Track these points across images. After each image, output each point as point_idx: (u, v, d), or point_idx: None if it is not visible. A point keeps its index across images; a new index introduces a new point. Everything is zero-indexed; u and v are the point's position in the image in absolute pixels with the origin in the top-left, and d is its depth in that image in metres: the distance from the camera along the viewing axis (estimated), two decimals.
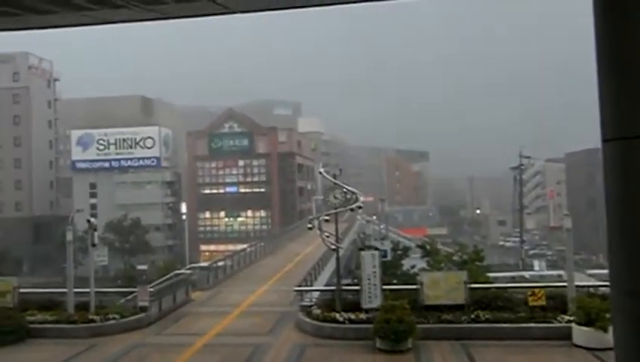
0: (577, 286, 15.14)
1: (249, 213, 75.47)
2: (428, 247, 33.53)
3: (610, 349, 11.16)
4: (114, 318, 16.17)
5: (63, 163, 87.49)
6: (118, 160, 76.43)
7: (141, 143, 76.46)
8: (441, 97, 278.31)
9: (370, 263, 15.62)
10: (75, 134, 78.08)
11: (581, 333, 12.90)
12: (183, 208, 63.20)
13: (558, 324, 13.67)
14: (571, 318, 13.52)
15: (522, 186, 57.32)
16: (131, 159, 76.37)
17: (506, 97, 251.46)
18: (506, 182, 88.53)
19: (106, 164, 76.31)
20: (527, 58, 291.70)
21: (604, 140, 2.49)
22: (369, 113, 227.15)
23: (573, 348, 12.93)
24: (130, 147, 76.53)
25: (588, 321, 12.79)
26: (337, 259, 16.92)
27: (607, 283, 2.49)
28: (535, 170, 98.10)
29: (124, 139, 76.74)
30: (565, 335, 13.27)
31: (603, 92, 2.52)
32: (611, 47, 2.46)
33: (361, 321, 14.56)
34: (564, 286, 15.44)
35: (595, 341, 12.53)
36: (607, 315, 11.93)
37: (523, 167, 58.07)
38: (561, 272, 28.92)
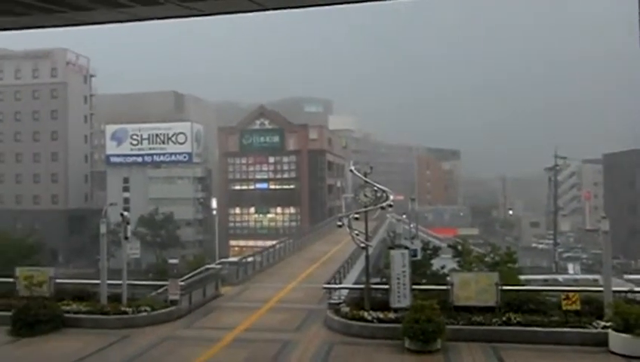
0: (614, 292, 14.70)
1: (278, 209, 75.77)
2: (459, 248, 33.11)
3: None
4: (145, 310, 16.42)
5: (98, 157, 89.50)
6: (151, 155, 77.71)
7: (173, 139, 77.58)
8: (473, 95, 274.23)
9: (399, 262, 15.48)
10: (110, 129, 79.75)
11: (618, 340, 12.51)
12: (214, 203, 63.89)
13: (594, 330, 13.30)
14: (608, 324, 13.14)
15: (557, 187, 56.04)
16: (164, 154, 77.55)
17: (542, 94, 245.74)
18: (540, 182, 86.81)
19: (139, 159, 77.70)
20: (562, 52, 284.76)
21: None
22: (400, 111, 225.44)
23: (609, 354, 12.56)
24: (163, 142, 77.71)
25: (626, 328, 12.40)
26: (367, 257, 16.82)
27: None
28: (571, 171, 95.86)
29: (157, 135, 77.97)
30: (601, 342, 12.90)
31: None
32: None
33: (390, 321, 14.45)
34: (600, 291, 15.01)
35: (633, 348, 12.14)
36: None
37: (558, 168, 56.78)
38: (597, 276, 28.26)
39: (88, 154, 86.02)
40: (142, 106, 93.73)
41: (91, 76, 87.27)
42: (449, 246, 35.67)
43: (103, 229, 17.73)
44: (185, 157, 77.17)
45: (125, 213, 17.82)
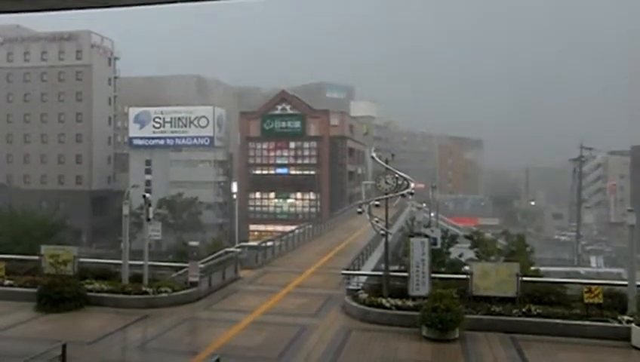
0: (639, 286, 14.45)
1: (298, 195, 75.86)
2: (475, 238, 33.34)
3: None
4: (165, 291, 16.67)
5: (121, 139, 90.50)
6: (173, 138, 78.31)
7: (195, 122, 78.02)
8: (497, 83, 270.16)
9: (419, 250, 15.43)
10: (133, 112, 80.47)
11: None
12: (234, 188, 64.10)
13: (617, 324, 13.13)
14: (631, 319, 12.95)
15: (582, 179, 55.11)
16: (185, 138, 78.10)
17: (570, 82, 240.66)
18: (564, 173, 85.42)
19: (161, 142, 78.36)
20: (591, 37, 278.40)
21: None
22: (423, 98, 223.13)
23: (632, 349, 12.38)
24: (185, 126, 78.22)
25: None
26: (386, 244, 16.78)
27: None
28: (597, 163, 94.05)
29: (179, 118, 78.49)
30: (623, 336, 12.73)
31: None
32: None
33: (408, 308, 14.44)
34: (624, 285, 14.77)
35: None
36: None
37: (584, 159, 55.81)
38: (621, 270, 27.84)
39: (112, 136, 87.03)
40: (164, 89, 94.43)
41: (115, 59, 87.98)
42: (465, 236, 35.89)
43: (125, 210, 17.96)
44: (206, 140, 77.62)
45: (147, 195, 18.03)
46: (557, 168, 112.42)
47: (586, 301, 13.93)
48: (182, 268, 18.95)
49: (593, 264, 53.73)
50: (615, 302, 14.00)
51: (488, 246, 31.84)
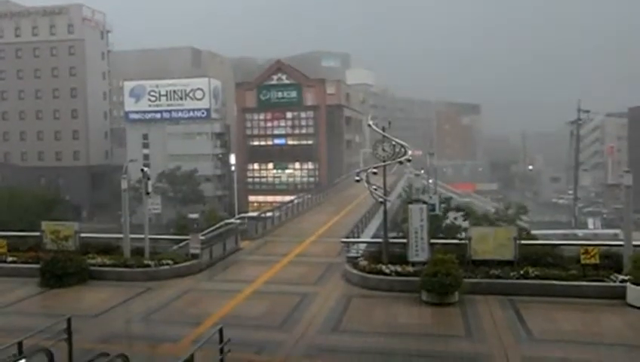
0: (635, 246, 14.62)
1: (297, 165, 75.87)
2: (466, 210, 35.67)
3: None
4: (167, 264, 16.83)
5: (117, 114, 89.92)
6: (169, 111, 77.84)
7: (191, 95, 77.44)
8: (493, 45, 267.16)
9: (418, 216, 15.54)
10: (128, 86, 79.76)
11: (636, 293, 12.55)
12: (232, 159, 64.21)
13: (612, 283, 13.35)
14: (626, 278, 13.15)
15: (579, 142, 55.07)
16: (182, 110, 77.63)
17: (566, 43, 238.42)
18: (561, 137, 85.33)
19: (158, 115, 77.91)
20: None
21: None
22: (419, 64, 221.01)
23: (626, 307, 12.63)
24: (181, 98, 77.67)
25: None
26: (385, 211, 16.88)
27: None
28: (594, 125, 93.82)
29: (174, 91, 77.87)
30: (619, 295, 12.96)
31: None
32: None
33: (408, 274, 14.62)
34: (620, 245, 14.96)
35: None
36: None
37: (581, 122, 55.65)
38: (617, 231, 28.08)
39: (107, 111, 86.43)
40: (159, 63, 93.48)
41: (108, 32, 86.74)
42: (457, 209, 36.76)
43: (124, 185, 18.00)
44: (203, 113, 77.19)
45: (146, 169, 18.05)
46: (554, 132, 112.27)
47: (582, 262, 14.13)
48: (183, 240, 19.10)
49: (590, 226, 54.21)
50: (611, 262, 14.21)
51: (479, 218, 33.02)
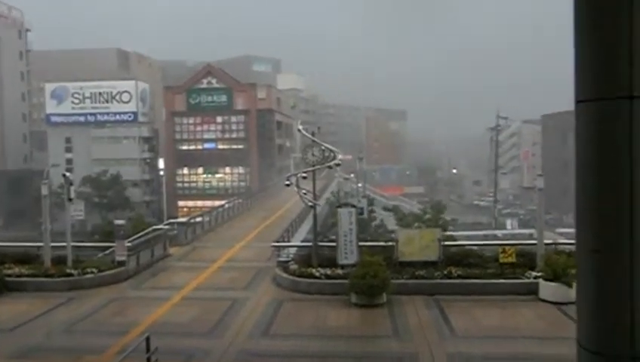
0: (546, 244, 15.67)
1: (227, 169, 75.08)
2: (394, 210, 37.31)
3: (572, 303, 11.71)
4: (91, 272, 16.27)
5: (37, 116, 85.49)
6: (94, 114, 74.88)
7: (117, 97, 74.90)
8: (419, 55, 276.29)
9: (347, 220, 15.88)
10: (49, 87, 76.04)
11: (547, 288, 13.47)
12: (161, 164, 62.61)
13: (526, 280, 14.23)
14: (539, 274, 14.06)
15: (498, 147, 57.96)
16: (108, 113, 74.89)
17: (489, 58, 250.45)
18: (483, 142, 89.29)
19: (82, 118, 74.78)
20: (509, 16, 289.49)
21: (578, 101, 2.56)
22: (349, 71, 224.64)
23: (539, 302, 13.52)
24: (107, 101, 74.95)
25: (554, 277, 13.34)
26: (314, 215, 17.15)
27: (573, 242, 2.61)
28: (512, 132, 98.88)
29: (100, 93, 75.05)
30: (532, 291, 13.84)
31: (580, 49, 2.55)
32: (589, 4, 2.50)
33: (337, 277, 14.91)
34: (534, 244, 15.98)
35: (559, 295, 13.12)
36: (572, 271, 12.45)
37: (500, 128, 58.59)
38: (532, 231, 29.87)
39: (26, 113, 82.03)
40: (83, 63, 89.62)
41: (27, 30, 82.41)
42: (384, 209, 38.30)
43: (44, 191, 17.25)
44: (130, 116, 74.82)
45: (68, 174, 17.43)
46: (476, 137, 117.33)
47: (501, 261, 14.99)
48: (108, 247, 18.52)
49: (508, 226, 57.20)
50: (526, 260, 15.14)
51: (406, 217, 34.35)
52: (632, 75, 2.39)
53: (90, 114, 74.77)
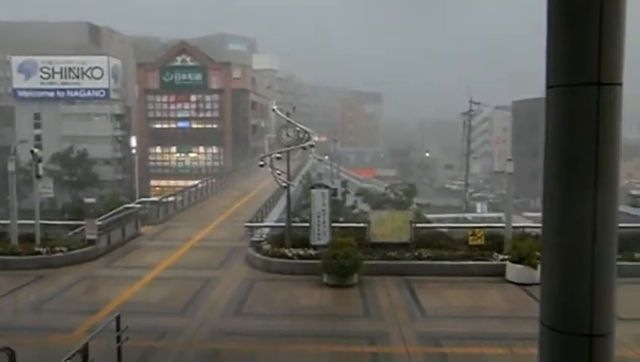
0: (514, 227, 16.03)
1: (201, 149, 74.35)
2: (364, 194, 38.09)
3: (536, 284, 12.05)
4: (61, 251, 16.05)
5: (4, 91, 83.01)
6: (64, 90, 73.01)
7: (88, 73, 73.10)
8: (396, 36, 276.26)
9: (320, 201, 15.96)
10: (16, 60, 73.79)
11: (513, 270, 13.83)
12: (133, 142, 61.70)
13: (494, 262, 14.57)
14: (506, 257, 14.40)
15: (471, 131, 58.67)
16: (78, 90, 73.10)
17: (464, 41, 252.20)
18: (456, 126, 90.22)
19: (51, 94, 72.88)
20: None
21: (548, 87, 2.63)
22: (326, 53, 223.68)
23: (505, 283, 13.88)
24: (77, 77, 73.11)
25: (520, 259, 13.69)
26: (288, 196, 17.16)
27: (540, 225, 2.71)
28: (484, 117, 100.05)
29: (70, 68, 73.12)
30: (500, 272, 14.18)
31: (552, 37, 2.62)
32: None
33: (310, 257, 15.01)
34: (502, 228, 16.32)
35: (524, 276, 13.50)
36: (537, 253, 12.78)
37: (472, 113, 59.23)
38: (501, 214, 30.54)
39: None
40: (52, 37, 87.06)
41: None
42: (357, 194, 38.82)
43: (11, 167, 16.86)
44: (101, 93, 73.20)
45: (36, 150, 17.05)
46: (449, 120, 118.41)
47: (470, 243, 15.29)
48: (79, 226, 18.27)
49: (479, 210, 58.30)
50: (494, 242, 15.47)
51: (377, 199, 34.78)
52: (601, 63, 2.47)
53: (60, 89, 72.91)
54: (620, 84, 2.50)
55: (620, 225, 2.62)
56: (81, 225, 17.86)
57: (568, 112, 2.54)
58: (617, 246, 2.59)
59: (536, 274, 12.55)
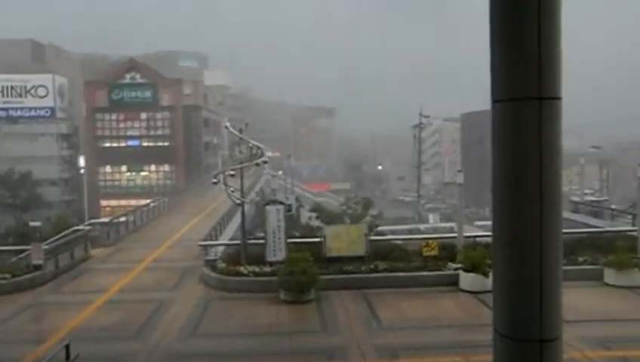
0: (466, 237, 16.39)
1: (152, 167, 72.89)
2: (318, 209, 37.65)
3: (489, 292, 12.33)
4: (4, 278, 15.37)
5: None
6: (6, 109, 70.35)
7: (32, 92, 70.69)
8: (348, 51, 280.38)
9: (275, 217, 15.89)
10: None
11: (466, 279, 14.13)
12: (81, 162, 59.78)
13: (448, 272, 14.85)
14: (459, 266, 14.69)
15: (421, 144, 59.84)
16: (22, 109, 70.57)
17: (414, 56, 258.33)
18: (406, 139, 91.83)
19: None
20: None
21: (494, 101, 2.71)
22: (277, 68, 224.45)
23: (459, 292, 14.16)
24: (20, 95, 70.57)
25: (472, 268, 14.00)
26: (242, 213, 17.02)
27: (490, 234, 2.78)
28: (434, 129, 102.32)
29: (12, 87, 70.54)
30: (453, 281, 14.45)
31: (495, 52, 2.70)
32: (504, 10, 2.64)
33: (266, 274, 14.89)
34: (454, 237, 16.66)
35: (477, 285, 13.81)
36: (489, 262, 13.10)
37: (422, 126, 60.47)
38: (453, 224, 31.17)
39: None
40: None
41: None
42: (310, 210, 38.81)
43: None
44: (47, 112, 70.85)
45: None
46: (400, 134, 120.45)
47: (424, 254, 15.53)
48: (24, 251, 17.54)
49: (431, 220, 59.33)
50: (447, 252, 15.76)
51: (330, 216, 34.96)
52: (541, 78, 2.57)
53: (2, 108, 70.24)
54: (560, 98, 2.61)
55: (563, 231, 2.72)
56: (27, 250, 17.15)
57: (512, 126, 2.63)
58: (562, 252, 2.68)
59: (488, 282, 12.85)
